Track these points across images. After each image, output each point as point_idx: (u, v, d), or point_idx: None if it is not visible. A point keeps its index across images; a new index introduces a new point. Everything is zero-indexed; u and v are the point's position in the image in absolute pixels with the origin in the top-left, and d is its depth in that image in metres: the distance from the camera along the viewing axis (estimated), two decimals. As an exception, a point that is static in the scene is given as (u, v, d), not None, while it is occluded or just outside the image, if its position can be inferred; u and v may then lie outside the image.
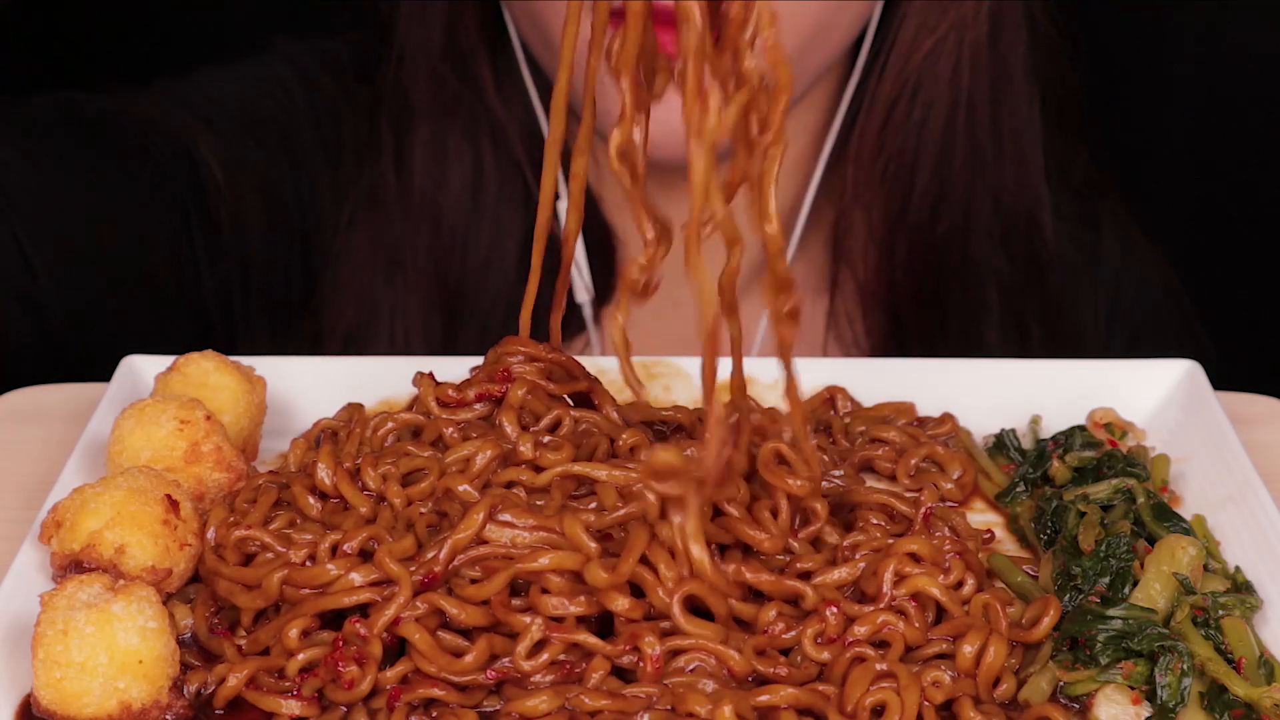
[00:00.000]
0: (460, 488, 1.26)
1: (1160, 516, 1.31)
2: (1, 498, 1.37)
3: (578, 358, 1.46)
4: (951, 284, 1.86)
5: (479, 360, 1.46)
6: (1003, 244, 1.86)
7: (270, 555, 1.24)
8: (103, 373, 1.46)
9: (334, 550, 1.22)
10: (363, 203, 1.83)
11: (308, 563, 1.22)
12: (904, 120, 1.79)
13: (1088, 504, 1.33)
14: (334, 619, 1.20)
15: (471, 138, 1.81)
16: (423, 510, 1.26)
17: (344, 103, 1.86)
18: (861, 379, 1.48)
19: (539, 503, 1.24)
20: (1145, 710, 1.17)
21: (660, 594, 1.19)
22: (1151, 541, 1.28)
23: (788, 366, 1.22)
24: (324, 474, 1.29)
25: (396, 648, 1.19)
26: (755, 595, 1.23)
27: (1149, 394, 1.47)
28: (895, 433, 1.41)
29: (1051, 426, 1.45)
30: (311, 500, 1.28)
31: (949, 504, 1.36)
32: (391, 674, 1.17)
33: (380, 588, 1.19)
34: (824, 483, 1.32)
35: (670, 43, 1.17)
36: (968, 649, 1.18)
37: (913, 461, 1.38)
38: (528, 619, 1.18)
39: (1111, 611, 1.20)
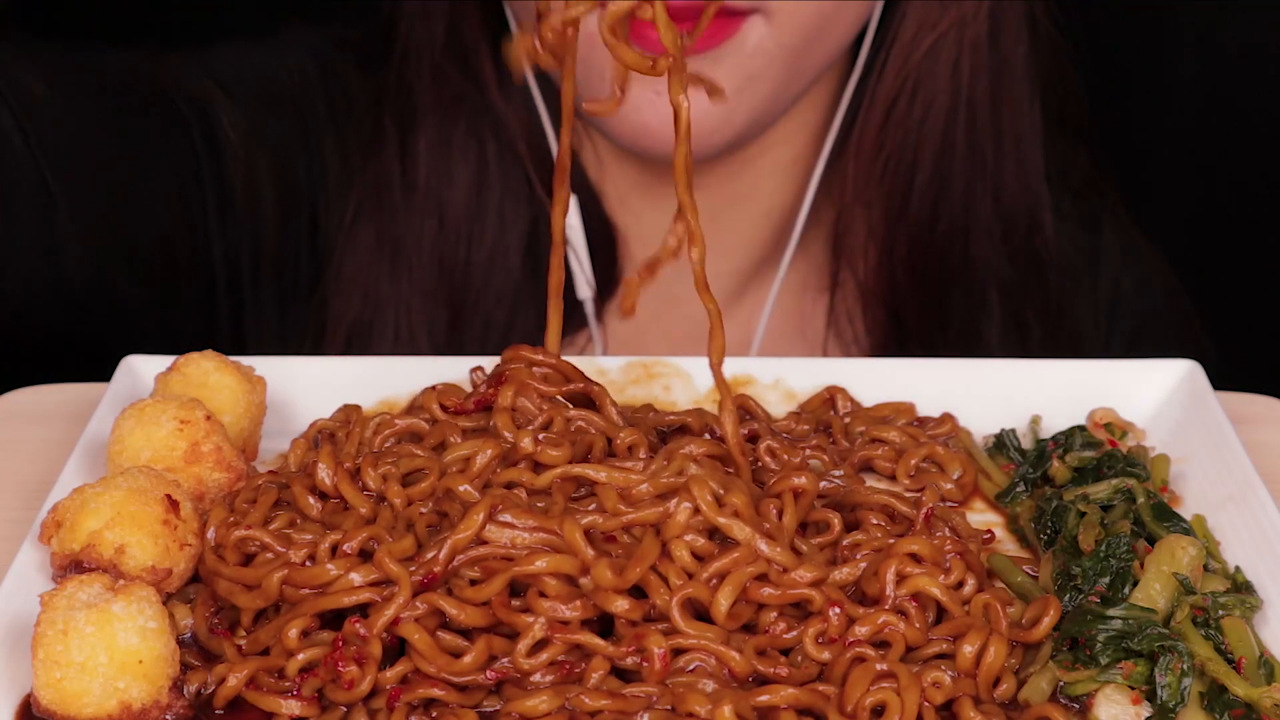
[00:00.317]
0: (460, 488, 1.26)
1: (1160, 516, 1.31)
2: (1, 498, 1.37)
3: (578, 358, 1.47)
4: (952, 283, 1.86)
5: (479, 360, 1.46)
6: (1003, 243, 1.86)
7: (270, 555, 1.24)
8: (103, 373, 1.46)
9: (334, 550, 1.22)
10: (368, 197, 1.83)
11: (308, 563, 1.22)
12: (904, 118, 1.79)
13: (1088, 504, 1.33)
14: (334, 619, 1.20)
15: (475, 133, 1.81)
16: (423, 510, 1.26)
17: (358, 89, 1.87)
18: (861, 379, 1.48)
19: (540, 504, 1.24)
20: (1145, 710, 1.17)
21: (662, 594, 1.19)
22: (1151, 541, 1.28)
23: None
24: (324, 474, 1.29)
25: (396, 648, 1.19)
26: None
27: (1149, 394, 1.47)
28: (895, 433, 1.41)
29: (1051, 426, 1.45)
30: (311, 500, 1.28)
31: (949, 504, 1.36)
32: (391, 674, 1.17)
33: (380, 588, 1.19)
34: (824, 483, 1.33)
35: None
36: (968, 649, 1.18)
37: (913, 462, 1.38)
38: (530, 619, 1.18)
39: (1111, 611, 1.20)
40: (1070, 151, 1.94)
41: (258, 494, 1.29)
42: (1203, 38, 2.38)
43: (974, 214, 1.84)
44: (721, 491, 1.23)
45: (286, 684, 1.17)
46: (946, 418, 1.44)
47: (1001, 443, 1.43)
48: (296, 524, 1.27)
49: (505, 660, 1.18)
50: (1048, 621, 1.20)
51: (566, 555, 1.20)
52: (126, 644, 1.13)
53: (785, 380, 1.49)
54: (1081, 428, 1.42)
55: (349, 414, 1.40)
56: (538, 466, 1.27)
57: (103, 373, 1.46)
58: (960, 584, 1.23)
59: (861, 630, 1.19)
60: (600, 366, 1.48)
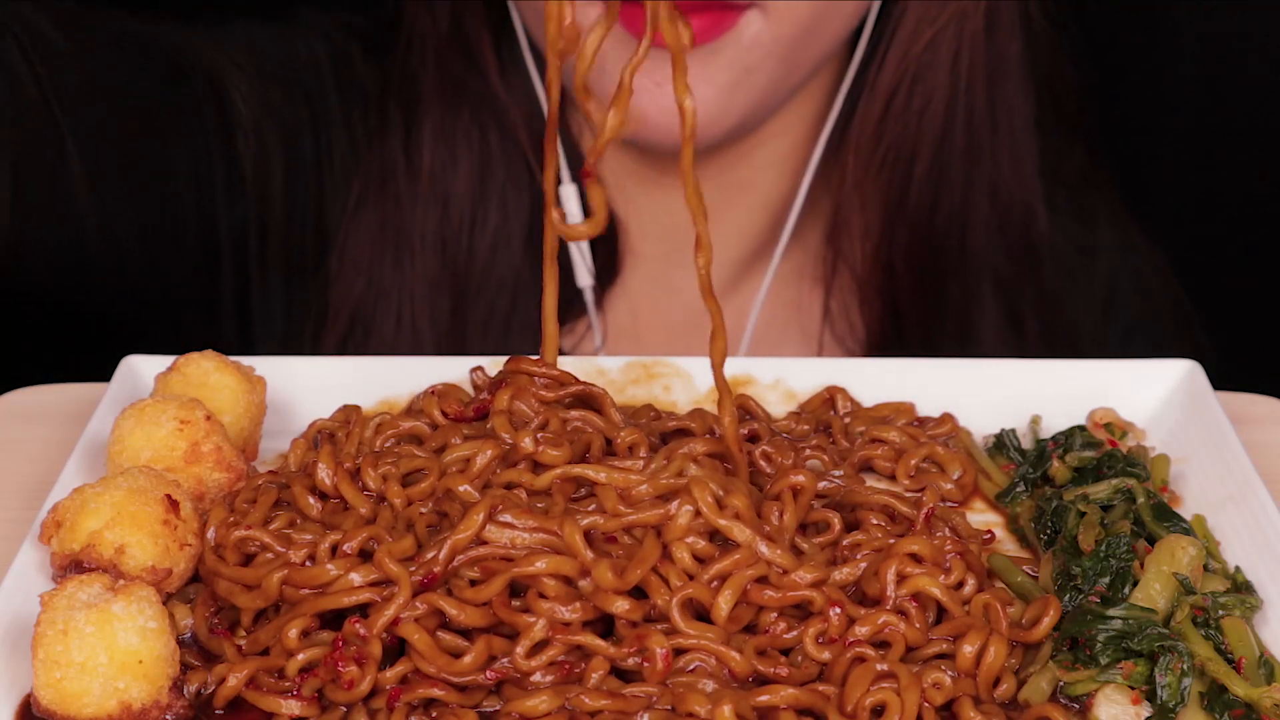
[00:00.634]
0: (460, 488, 1.26)
1: (1160, 516, 1.31)
2: (1, 498, 1.37)
3: (579, 359, 1.47)
4: (948, 274, 1.87)
5: (479, 360, 1.46)
6: (999, 235, 1.87)
7: (270, 555, 1.24)
8: (103, 373, 1.46)
9: (334, 550, 1.22)
10: (372, 182, 1.84)
11: (308, 563, 1.22)
12: (904, 111, 1.80)
13: (1088, 504, 1.33)
14: (334, 619, 1.20)
15: (478, 122, 1.82)
16: (423, 510, 1.26)
17: (366, 75, 1.88)
18: (861, 379, 1.48)
19: (540, 505, 1.24)
20: (1145, 710, 1.17)
21: (663, 595, 1.19)
22: (1151, 541, 1.28)
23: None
24: (324, 474, 1.29)
25: (396, 648, 1.19)
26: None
27: (1149, 394, 1.47)
28: (895, 433, 1.41)
29: (1051, 426, 1.45)
30: (311, 500, 1.28)
31: (949, 504, 1.36)
32: (391, 674, 1.17)
33: (380, 588, 1.19)
34: (824, 483, 1.33)
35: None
36: (968, 649, 1.18)
37: (913, 462, 1.38)
38: (531, 619, 1.18)
39: (1111, 611, 1.20)
40: (1066, 146, 1.95)
41: (258, 494, 1.29)
42: (1203, 35, 2.38)
43: (971, 206, 1.85)
44: (722, 493, 1.23)
45: (286, 684, 1.17)
46: (946, 418, 1.44)
47: (1001, 443, 1.43)
48: (296, 524, 1.27)
49: (505, 660, 1.18)
50: (1048, 621, 1.20)
51: (566, 557, 1.20)
52: (126, 644, 1.13)
53: (785, 380, 1.49)
54: (1081, 428, 1.42)
55: (349, 414, 1.40)
56: (537, 467, 1.27)
57: (103, 373, 1.46)
58: (960, 584, 1.23)
59: (862, 630, 1.19)
60: (600, 366, 1.49)
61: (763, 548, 1.21)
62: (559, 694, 1.15)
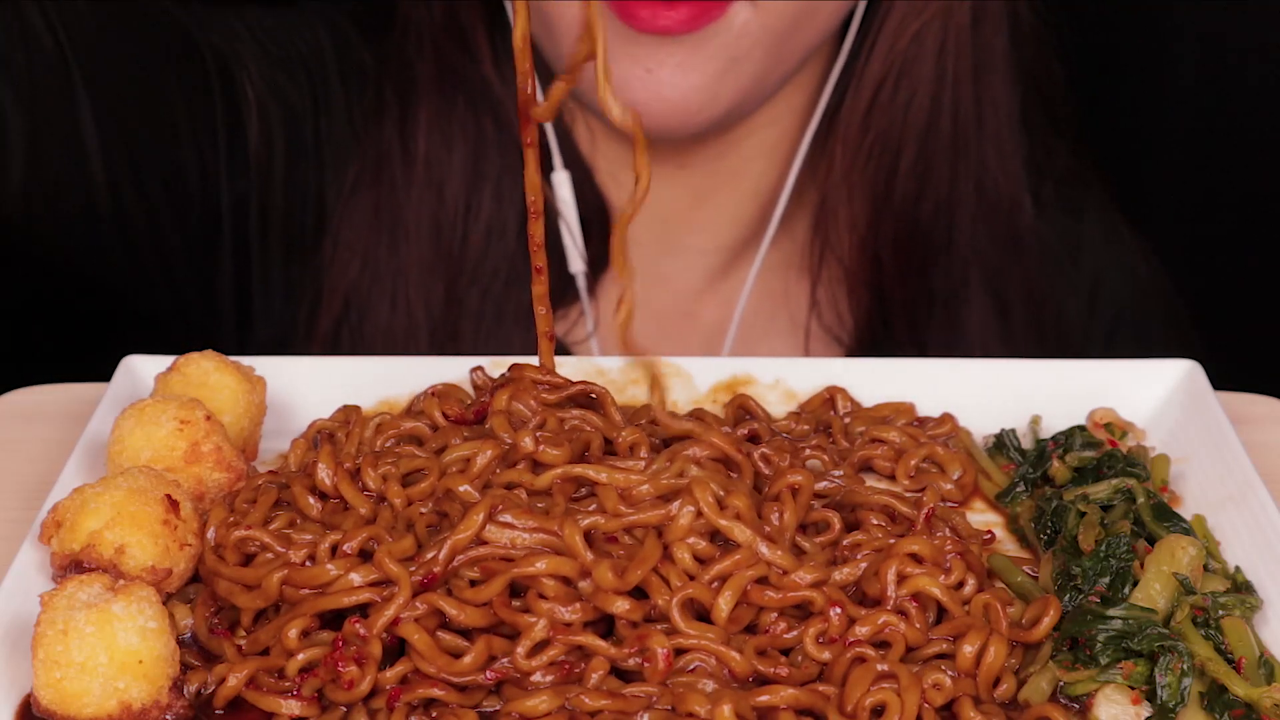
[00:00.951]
0: (460, 488, 1.26)
1: (1160, 516, 1.31)
2: (1, 498, 1.37)
3: (579, 359, 1.47)
4: (935, 265, 1.88)
5: (478, 360, 1.46)
6: (985, 226, 1.88)
7: (270, 555, 1.24)
8: (103, 373, 1.46)
9: (334, 550, 1.22)
10: (368, 167, 1.85)
11: (307, 563, 1.22)
12: (890, 102, 1.81)
13: (1088, 504, 1.33)
14: (334, 619, 1.20)
15: (473, 110, 1.83)
16: (423, 510, 1.26)
17: (367, 62, 1.89)
18: (861, 379, 1.48)
19: (540, 505, 1.24)
20: (1145, 710, 1.17)
21: (663, 595, 1.19)
22: (1151, 541, 1.28)
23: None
24: (324, 474, 1.29)
25: (396, 648, 1.19)
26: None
27: (1149, 394, 1.47)
28: (895, 433, 1.41)
29: (1051, 426, 1.45)
30: (311, 500, 1.28)
31: (949, 504, 1.36)
32: (391, 674, 1.17)
33: (380, 588, 1.19)
34: (824, 483, 1.33)
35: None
36: (968, 649, 1.18)
37: (913, 462, 1.38)
38: (531, 619, 1.18)
39: (1111, 611, 1.20)
40: (1052, 139, 1.96)
41: (258, 494, 1.29)
42: (1199, 34, 2.38)
43: (957, 198, 1.86)
44: (723, 494, 1.23)
45: (286, 684, 1.17)
46: (946, 418, 1.44)
47: (1001, 443, 1.43)
48: (296, 524, 1.27)
49: (505, 660, 1.18)
50: (1048, 621, 1.20)
51: (566, 557, 1.20)
52: (126, 644, 1.13)
53: (785, 380, 1.49)
54: (1081, 428, 1.42)
55: (349, 414, 1.40)
56: (538, 467, 1.27)
57: (103, 373, 1.46)
58: (960, 584, 1.23)
59: (862, 630, 1.19)
60: (600, 366, 1.49)
61: (763, 548, 1.21)
62: (559, 694, 1.15)
